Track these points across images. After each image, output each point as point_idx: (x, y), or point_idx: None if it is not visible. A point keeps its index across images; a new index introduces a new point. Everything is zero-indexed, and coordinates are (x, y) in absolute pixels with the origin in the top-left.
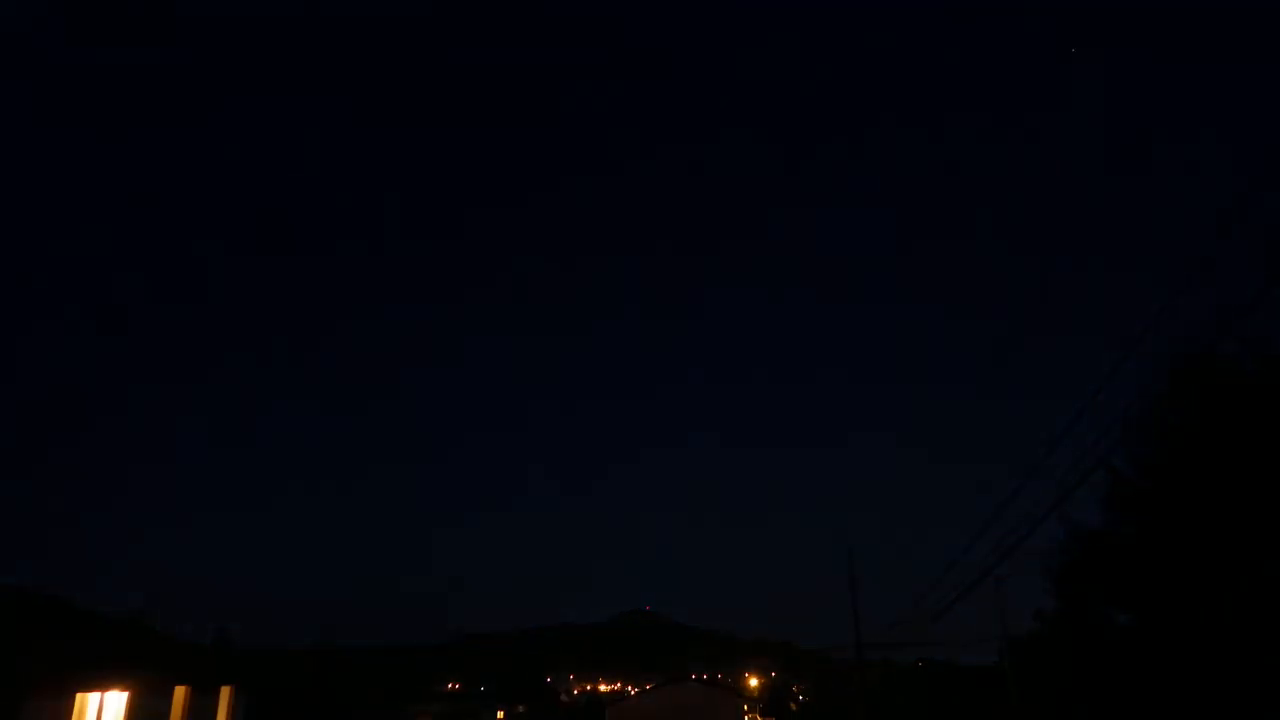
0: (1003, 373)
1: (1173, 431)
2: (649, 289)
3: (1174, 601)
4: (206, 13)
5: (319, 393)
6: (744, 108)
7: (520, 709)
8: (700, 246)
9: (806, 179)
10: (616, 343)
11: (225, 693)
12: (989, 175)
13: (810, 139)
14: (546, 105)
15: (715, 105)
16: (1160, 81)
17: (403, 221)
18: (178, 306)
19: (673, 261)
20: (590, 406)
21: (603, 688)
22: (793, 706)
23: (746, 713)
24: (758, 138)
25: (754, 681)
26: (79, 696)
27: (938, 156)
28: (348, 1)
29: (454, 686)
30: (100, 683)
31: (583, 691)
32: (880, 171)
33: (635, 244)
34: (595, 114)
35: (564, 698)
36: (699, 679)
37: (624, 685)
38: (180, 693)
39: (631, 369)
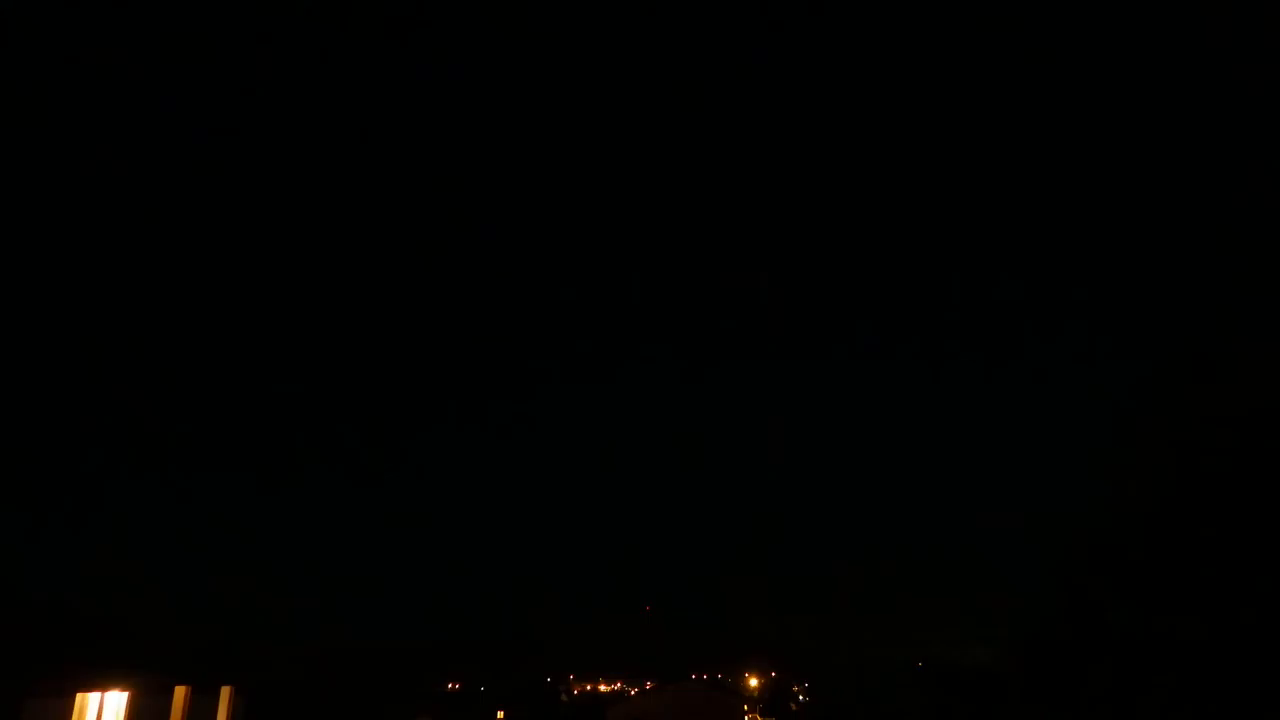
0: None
1: (1177, 429)
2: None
3: (1177, 601)
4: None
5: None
6: None
7: (520, 709)
8: None
9: None
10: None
11: (225, 693)
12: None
13: None
14: None
15: None
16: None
17: None
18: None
19: None
20: (589, 404)
21: (603, 688)
22: (793, 707)
23: (746, 713)
24: None
25: (754, 681)
26: (79, 696)
27: None
28: None
29: (454, 686)
30: (100, 683)
31: (583, 691)
32: None
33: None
34: None
35: (564, 698)
36: (699, 679)
37: (624, 685)
38: (180, 693)
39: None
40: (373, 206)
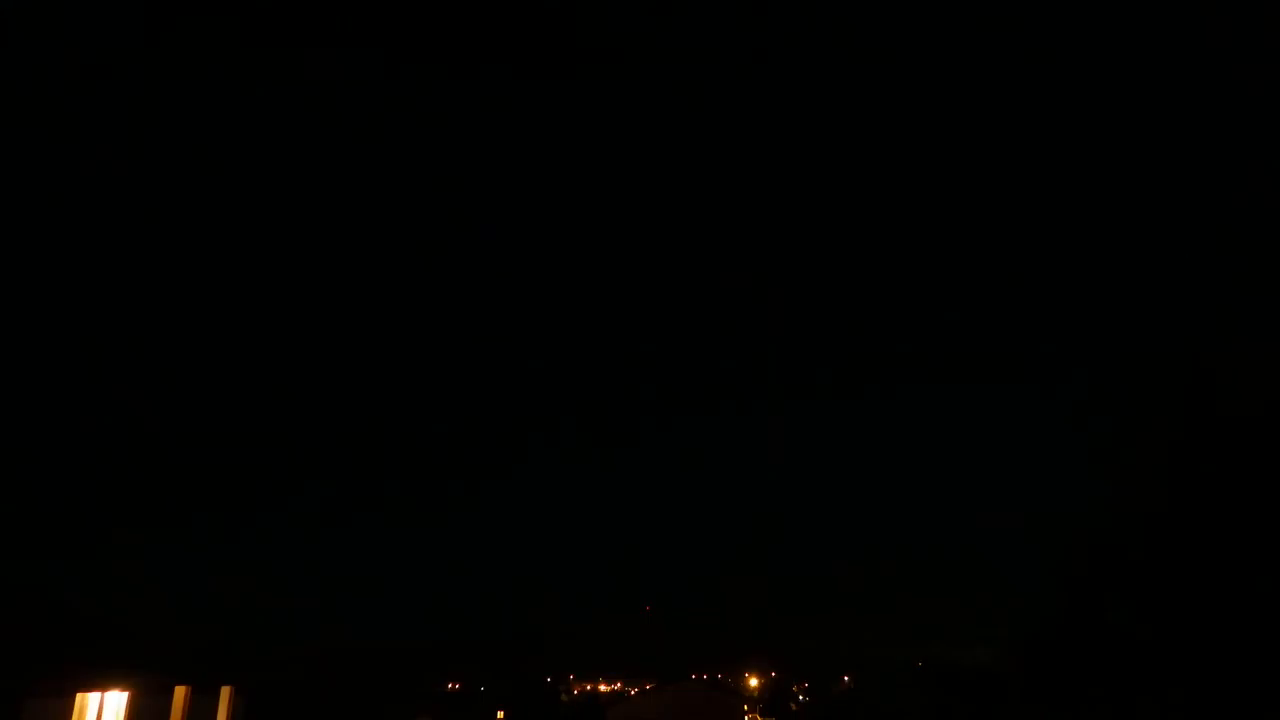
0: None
1: (1177, 429)
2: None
3: (1177, 601)
4: None
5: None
6: None
7: (520, 709)
8: None
9: None
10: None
11: (225, 693)
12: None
13: None
14: None
15: None
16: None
17: None
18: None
19: None
20: (590, 402)
21: (603, 688)
22: (793, 707)
23: (746, 713)
24: None
25: (754, 681)
26: (79, 696)
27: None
28: None
29: (454, 686)
30: (100, 683)
31: (583, 691)
32: None
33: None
34: None
35: (564, 698)
36: (699, 679)
37: (624, 685)
38: (180, 693)
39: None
40: (366, 208)
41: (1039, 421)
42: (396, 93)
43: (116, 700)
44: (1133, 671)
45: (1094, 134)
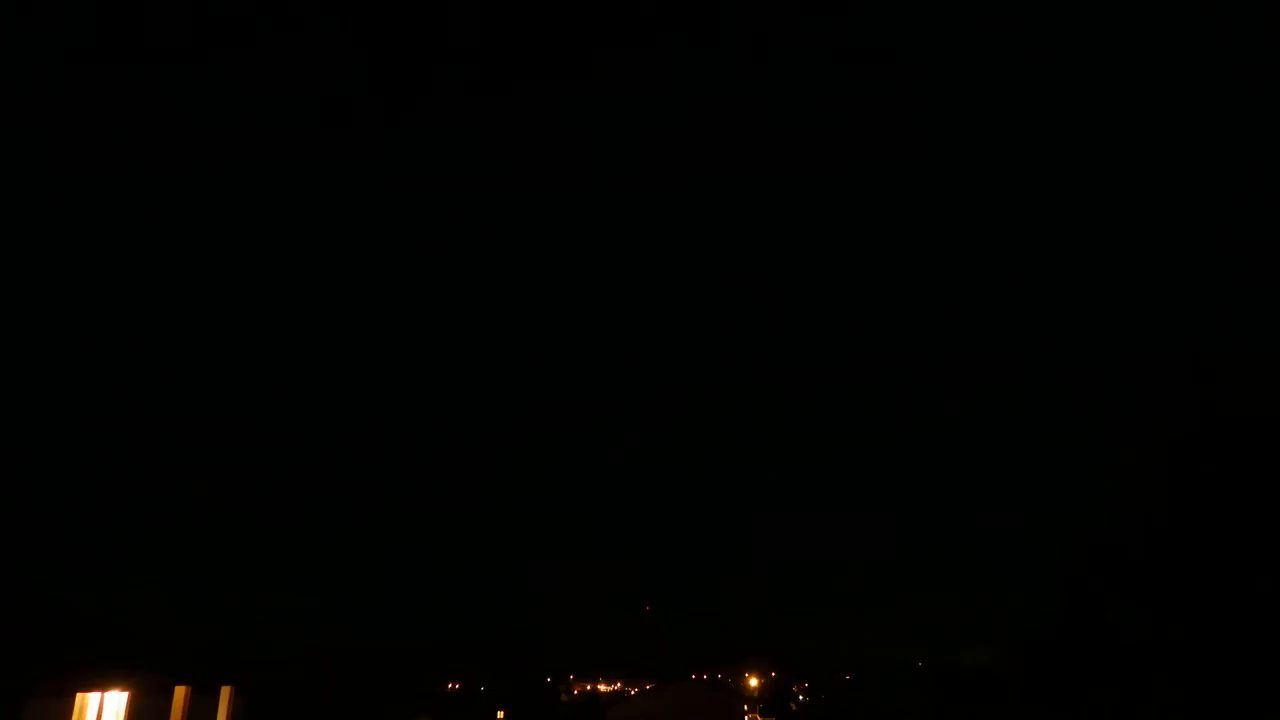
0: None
1: (1177, 430)
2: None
3: (1177, 602)
4: None
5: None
6: None
7: (520, 709)
8: None
9: None
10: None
11: (225, 693)
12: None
13: None
14: None
15: None
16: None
17: None
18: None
19: None
20: (590, 403)
21: (603, 688)
22: (793, 707)
23: (746, 713)
24: None
25: (754, 681)
26: (79, 696)
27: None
28: None
29: (454, 686)
30: (100, 683)
31: (583, 691)
32: None
33: None
34: None
35: (564, 698)
36: (699, 679)
37: (624, 685)
38: (180, 693)
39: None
40: (363, 208)
41: (1039, 421)
42: (395, 87)
43: (116, 700)
44: (1133, 671)
45: (1093, 134)
